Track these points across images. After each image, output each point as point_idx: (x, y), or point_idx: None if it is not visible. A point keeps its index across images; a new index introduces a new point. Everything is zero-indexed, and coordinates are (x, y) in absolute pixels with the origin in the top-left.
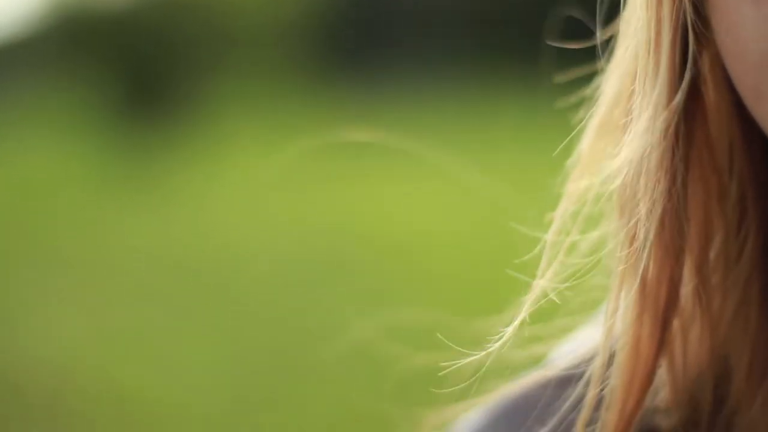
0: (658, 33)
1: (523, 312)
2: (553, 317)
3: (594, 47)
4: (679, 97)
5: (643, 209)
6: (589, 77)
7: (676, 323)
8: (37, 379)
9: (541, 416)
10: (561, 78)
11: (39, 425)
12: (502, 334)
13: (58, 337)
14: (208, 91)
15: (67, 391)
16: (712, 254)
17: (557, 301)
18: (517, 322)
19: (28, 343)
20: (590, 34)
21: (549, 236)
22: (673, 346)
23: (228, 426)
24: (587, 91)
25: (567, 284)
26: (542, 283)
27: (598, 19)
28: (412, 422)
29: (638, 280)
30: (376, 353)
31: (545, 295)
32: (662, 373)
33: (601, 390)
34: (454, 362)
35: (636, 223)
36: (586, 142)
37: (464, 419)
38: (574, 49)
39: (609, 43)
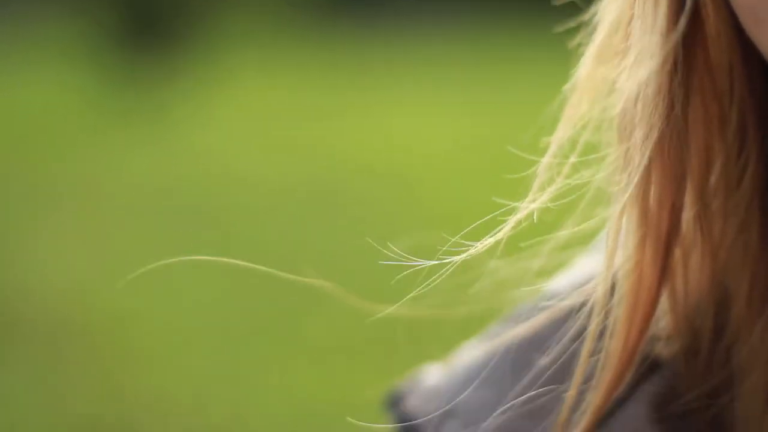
0: None
1: (507, 227)
2: (550, 249)
3: None
4: (681, 22)
5: (641, 135)
6: (588, 2)
7: (677, 251)
8: (37, 308)
9: (543, 348)
10: (559, 2)
11: (40, 353)
12: (484, 245)
13: (57, 265)
14: (209, 22)
15: (67, 318)
16: (712, 180)
17: (552, 230)
18: (496, 237)
19: (27, 272)
20: None
21: (544, 159)
22: (675, 274)
23: (227, 350)
24: (585, 17)
25: (558, 203)
26: (534, 206)
27: None
28: (412, 350)
29: (639, 207)
30: (373, 281)
31: (531, 216)
32: (663, 302)
33: (604, 320)
34: (440, 275)
35: (635, 148)
36: (584, 69)
37: (466, 350)
38: None
39: None
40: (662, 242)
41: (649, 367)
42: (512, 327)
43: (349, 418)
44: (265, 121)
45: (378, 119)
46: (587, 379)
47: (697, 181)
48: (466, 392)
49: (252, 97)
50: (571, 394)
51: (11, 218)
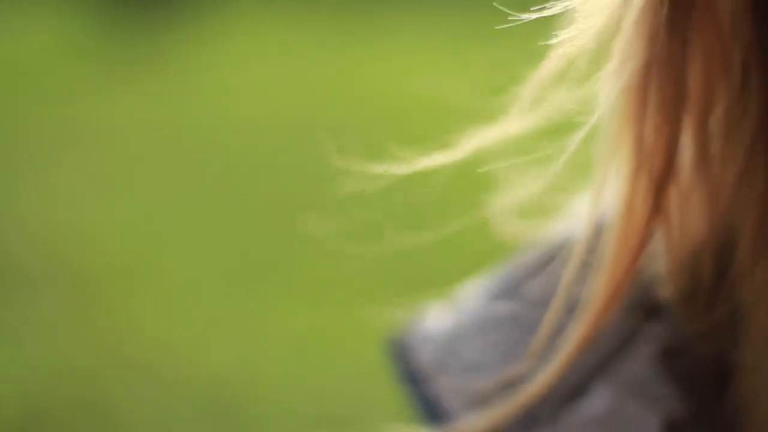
0: None
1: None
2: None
3: None
4: None
5: (637, 60)
6: None
7: (674, 190)
8: (40, 254)
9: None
10: None
11: (41, 295)
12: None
13: (60, 212)
14: None
15: (68, 260)
16: (712, 121)
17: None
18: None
19: (29, 218)
20: None
21: (528, 88)
22: (670, 212)
23: (229, 294)
24: None
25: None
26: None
27: None
28: (415, 291)
29: (633, 135)
30: (376, 219)
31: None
32: (661, 242)
33: (591, 254)
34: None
35: (632, 72)
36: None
37: (471, 289)
38: None
39: None
40: (656, 175)
41: (650, 309)
42: (518, 269)
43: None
44: (268, 65)
45: (380, 60)
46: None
47: (695, 121)
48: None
49: (253, 41)
50: (548, 319)
51: (13, 165)
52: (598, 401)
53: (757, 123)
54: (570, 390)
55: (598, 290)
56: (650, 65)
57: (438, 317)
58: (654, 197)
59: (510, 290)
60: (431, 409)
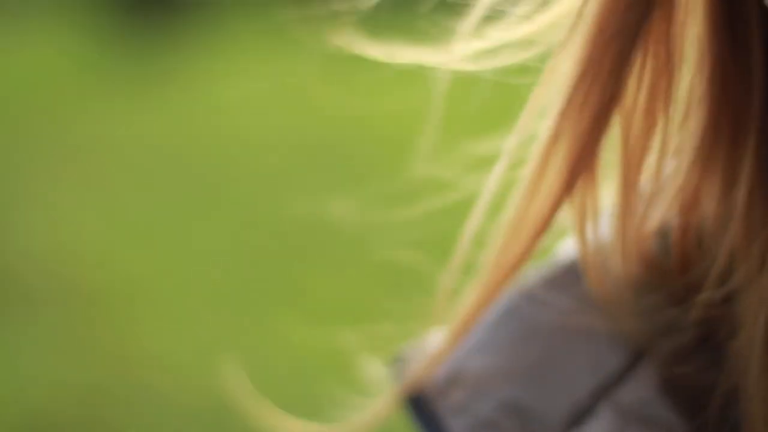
0: None
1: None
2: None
3: None
4: None
5: (581, 58)
6: None
7: (633, 196)
8: (42, 271)
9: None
10: None
11: (42, 312)
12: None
13: (63, 228)
14: None
15: (70, 278)
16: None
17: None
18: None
19: (33, 235)
20: None
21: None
22: (584, 206)
23: (231, 311)
24: None
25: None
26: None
27: None
28: (419, 305)
29: (564, 101)
30: (377, 240)
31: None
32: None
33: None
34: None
35: (575, 73)
36: None
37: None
38: None
39: None
40: (570, 160)
41: (657, 330)
42: (518, 288)
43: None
44: (270, 83)
45: (384, 77)
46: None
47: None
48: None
49: (256, 60)
50: (443, 280)
51: (14, 180)
52: (600, 425)
53: (702, 130)
54: (573, 414)
55: (485, 267)
56: (593, 59)
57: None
58: (571, 169)
59: (510, 312)
60: (434, 429)
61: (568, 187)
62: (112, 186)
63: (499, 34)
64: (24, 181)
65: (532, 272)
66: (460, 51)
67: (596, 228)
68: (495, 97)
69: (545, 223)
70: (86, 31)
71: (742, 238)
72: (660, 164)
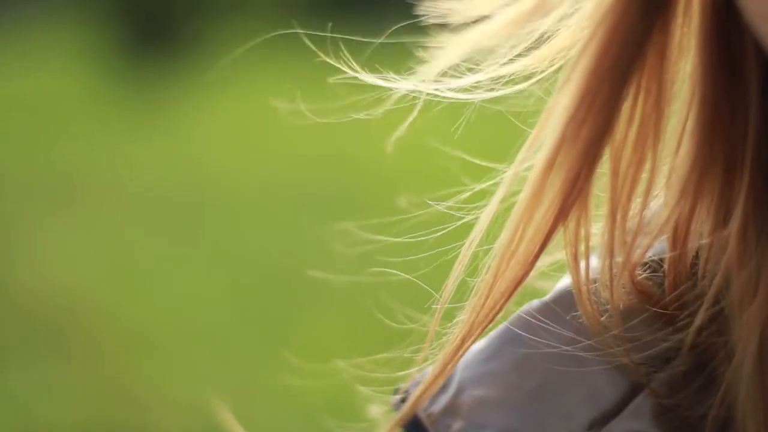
0: None
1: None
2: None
3: None
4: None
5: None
6: None
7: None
8: (41, 306)
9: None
10: None
11: (44, 353)
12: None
13: (59, 261)
14: (212, 26)
15: (71, 318)
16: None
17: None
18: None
19: (30, 268)
20: None
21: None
22: (577, 234)
23: (231, 351)
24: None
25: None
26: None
27: None
28: (415, 342)
29: (552, 153)
30: (372, 275)
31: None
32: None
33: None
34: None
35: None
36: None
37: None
38: None
39: None
40: (563, 189)
41: (655, 361)
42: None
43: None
44: (264, 121)
45: (374, 120)
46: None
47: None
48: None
49: (250, 97)
50: (438, 310)
51: (13, 212)
52: None
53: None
54: None
55: (480, 292)
56: (588, 93)
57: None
58: (560, 208)
59: (508, 342)
60: None
61: (561, 215)
62: (110, 223)
63: (495, 68)
64: (21, 217)
65: (532, 302)
66: (456, 83)
67: (589, 258)
68: (487, 131)
69: (539, 251)
70: (89, 69)
71: (735, 267)
72: (648, 196)
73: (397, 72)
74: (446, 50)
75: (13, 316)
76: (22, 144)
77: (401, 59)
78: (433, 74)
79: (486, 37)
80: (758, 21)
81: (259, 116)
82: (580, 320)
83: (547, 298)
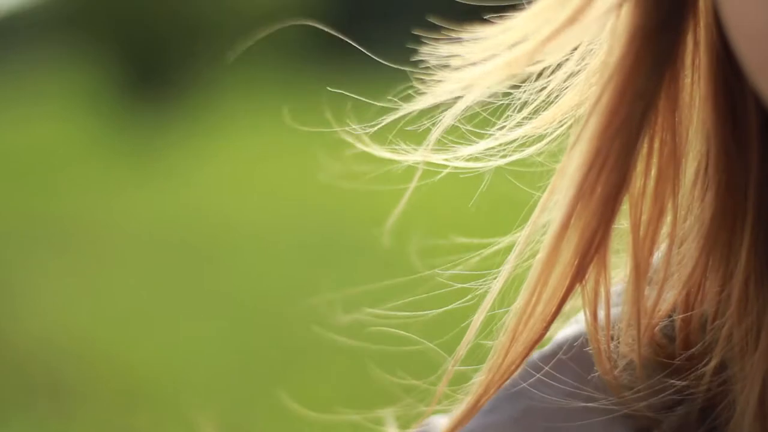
0: None
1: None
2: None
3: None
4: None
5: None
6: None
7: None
8: (38, 355)
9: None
10: None
11: (41, 401)
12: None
13: (60, 310)
14: (209, 72)
15: (68, 367)
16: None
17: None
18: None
19: (29, 318)
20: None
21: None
22: (597, 292)
23: (229, 400)
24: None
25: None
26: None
27: None
28: (412, 402)
29: (576, 188)
30: (375, 329)
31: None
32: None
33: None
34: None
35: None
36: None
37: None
38: None
39: None
40: (581, 247)
41: (662, 407)
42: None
43: None
44: (259, 168)
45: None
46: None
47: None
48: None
49: (246, 144)
50: (449, 369)
51: (11, 260)
52: None
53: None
54: None
55: (497, 353)
56: (601, 149)
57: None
58: (577, 266)
59: (514, 392)
60: None
61: (579, 273)
62: (108, 269)
63: (504, 133)
64: (18, 265)
65: (532, 354)
66: (465, 151)
67: (608, 312)
68: (497, 196)
69: (557, 310)
70: (88, 116)
71: (737, 318)
72: (671, 250)
73: (401, 138)
74: (445, 93)
75: (13, 364)
76: (20, 191)
77: (404, 95)
78: (438, 138)
79: (482, 78)
80: (756, 74)
81: (256, 163)
82: (584, 369)
83: (546, 349)
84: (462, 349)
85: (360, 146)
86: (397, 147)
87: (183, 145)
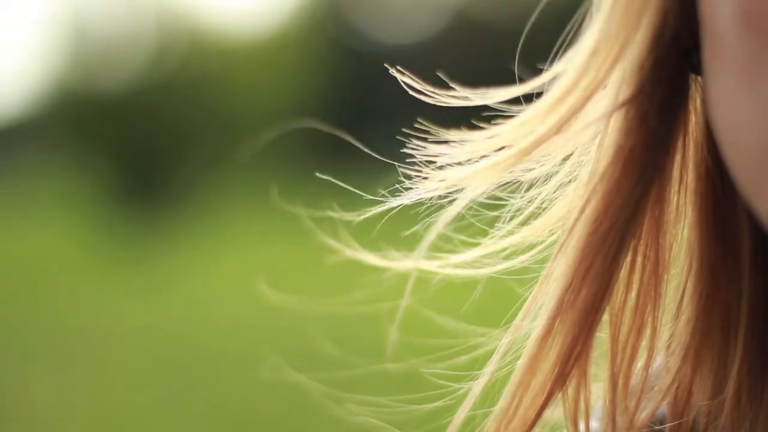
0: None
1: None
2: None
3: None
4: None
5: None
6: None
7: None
8: None
9: None
10: None
11: None
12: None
13: (55, 419)
14: (206, 179)
15: None
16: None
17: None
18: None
19: (27, 426)
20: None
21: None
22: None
23: None
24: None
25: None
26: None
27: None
28: None
29: (565, 279)
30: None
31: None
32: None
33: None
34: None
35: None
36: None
37: None
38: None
39: None
40: (564, 350)
41: None
42: None
43: None
44: (257, 276)
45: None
46: None
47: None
48: None
49: (243, 251)
50: None
51: (9, 371)
52: None
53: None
54: None
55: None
56: (584, 260)
57: None
58: (558, 374)
59: None
60: None
61: (559, 380)
62: (102, 377)
63: (494, 242)
64: (13, 371)
65: None
66: (456, 258)
67: (588, 422)
68: (485, 299)
69: (536, 417)
70: (85, 223)
71: (729, 429)
72: (649, 361)
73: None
74: (432, 190)
75: None
76: (13, 301)
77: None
78: (428, 246)
79: (469, 179)
80: (754, 197)
81: (251, 270)
82: None
83: None
84: None
85: (351, 254)
86: (389, 254)
87: (177, 252)
